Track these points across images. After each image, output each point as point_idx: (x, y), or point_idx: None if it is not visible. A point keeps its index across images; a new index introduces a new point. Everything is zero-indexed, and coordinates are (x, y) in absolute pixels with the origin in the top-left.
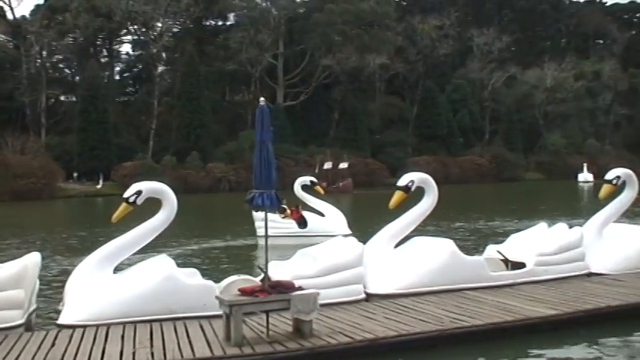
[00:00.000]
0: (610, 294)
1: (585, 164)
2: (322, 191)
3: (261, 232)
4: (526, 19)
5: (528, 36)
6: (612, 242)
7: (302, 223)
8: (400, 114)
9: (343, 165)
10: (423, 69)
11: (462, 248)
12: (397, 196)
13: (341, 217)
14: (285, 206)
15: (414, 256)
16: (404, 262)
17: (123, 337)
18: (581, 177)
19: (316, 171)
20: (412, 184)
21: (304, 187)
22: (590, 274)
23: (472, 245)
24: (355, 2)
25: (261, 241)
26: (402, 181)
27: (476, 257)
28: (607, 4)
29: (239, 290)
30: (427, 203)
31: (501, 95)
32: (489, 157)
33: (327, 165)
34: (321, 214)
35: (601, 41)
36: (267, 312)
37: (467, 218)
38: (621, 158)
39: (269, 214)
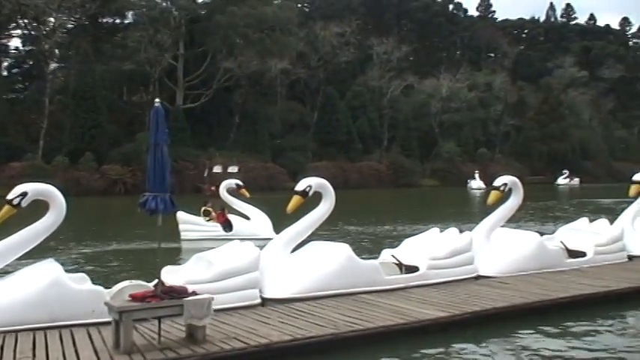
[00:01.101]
0: (496, 296)
1: (477, 172)
2: (248, 194)
3: (185, 235)
4: (424, 30)
5: (426, 47)
6: (499, 246)
7: (227, 226)
8: (301, 119)
9: (233, 169)
10: (323, 75)
11: (357, 252)
12: (294, 200)
13: (266, 220)
14: (210, 209)
15: (310, 260)
16: (300, 266)
17: (2, 347)
18: (474, 184)
19: (205, 175)
20: (310, 189)
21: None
22: (478, 277)
23: (368, 249)
24: (258, 6)
25: (186, 245)
26: (300, 185)
27: (371, 261)
28: (498, 20)
29: (130, 296)
30: (324, 208)
31: (399, 103)
32: (387, 163)
33: (217, 168)
34: (247, 218)
35: (493, 55)
36: (159, 318)
37: (363, 223)
38: (510, 166)
39: (193, 218)
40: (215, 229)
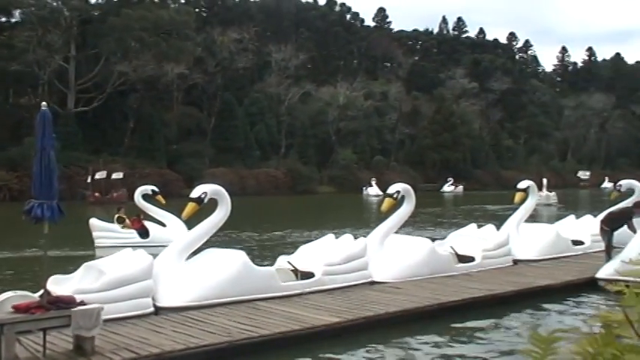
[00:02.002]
0: (389, 301)
1: (374, 179)
2: (163, 201)
3: (100, 242)
4: (321, 39)
5: (323, 55)
6: (392, 252)
7: (144, 233)
8: (198, 125)
9: (117, 175)
10: (221, 81)
11: (253, 259)
12: (190, 207)
13: (182, 226)
14: (123, 216)
15: (204, 267)
16: (194, 274)
17: None
18: (370, 191)
19: (88, 181)
20: (205, 196)
21: (145, 197)
22: (373, 283)
23: (264, 256)
24: (153, 9)
25: (100, 252)
26: (195, 192)
27: (267, 268)
28: (394, 31)
29: (12, 307)
30: (220, 215)
31: (297, 111)
32: (284, 170)
33: (100, 174)
34: (163, 224)
35: (388, 64)
36: (44, 330)
37: (260, 230)
38: (404, 174)
39: (107, 225)
40: (131, 236)
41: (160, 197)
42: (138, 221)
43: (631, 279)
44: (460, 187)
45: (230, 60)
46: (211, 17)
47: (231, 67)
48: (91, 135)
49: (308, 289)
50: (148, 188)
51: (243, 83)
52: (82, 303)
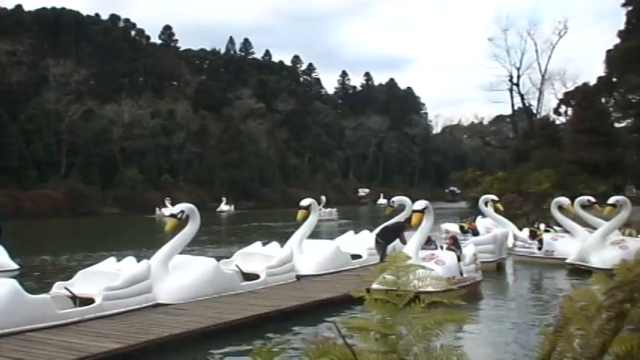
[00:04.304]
0: (173, 323)
1: (168, 199)
2: None
3: None
4: (104, 54)
5: (107, 71)
6: (177, 273)
7: None
8: None
9: None
10: None
11: (27, 287)
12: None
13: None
14: None
15: None
16: None
17: None
18: (166, 211)
19: None
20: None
21: None
22: (157, 305)
23: (39, 283)
24: None
25: None
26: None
27: (42, 296)
28: (181, 49)
29: None
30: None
31: (79, 128)
32: (65, 191)
33: None
34: None
35: (175, 83)
36: None
37: (35, 255)
38: (192, 193)
39: None
40: None
41: None
42: None
43: (387, 288)
44: (232, 207)
45: (2, 74)
46: None
47: (4, 82)
48: None
49: (87, 316)
50: None
51: (18, 99)
52: None
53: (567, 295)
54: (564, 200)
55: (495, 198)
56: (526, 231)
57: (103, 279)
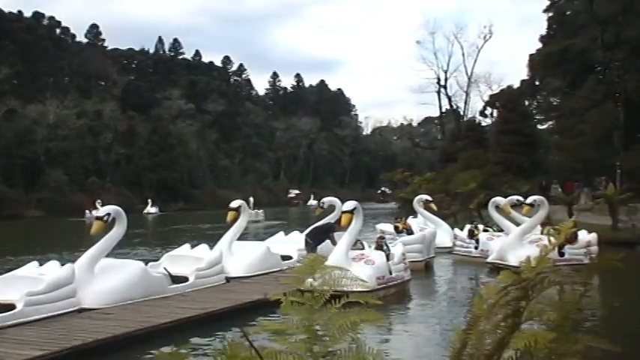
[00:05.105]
0: (99, 328)
1: (99, 201)
2: None
3: None
4: (28, 53)
5: (30, 70)
6: (103, 277)
7: None
8: None
9: None
10: None
11: None
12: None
13: None
14: None
15: None
16: None
17: None
18: (96, 213)
19: None
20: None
21: None
22: (82, 310)
23: None
24: None
25: None
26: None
27: None
28: (108, 48)
29: None
30: None
31: (1, 129)
32: None
33: None
34: None
35: (103, 83)
36: None
37: None
38: (121, 195)
39: None
40: None
41: None
42: None
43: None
44: (157, 209)
45: None
46: None
47: None
48: None
49: (8, 323)
50: None
51: None
52: None
53: (479, 294)
54: (500, 200)
55: (429, 198)
56: (466, 231)
57: (24, 284)
